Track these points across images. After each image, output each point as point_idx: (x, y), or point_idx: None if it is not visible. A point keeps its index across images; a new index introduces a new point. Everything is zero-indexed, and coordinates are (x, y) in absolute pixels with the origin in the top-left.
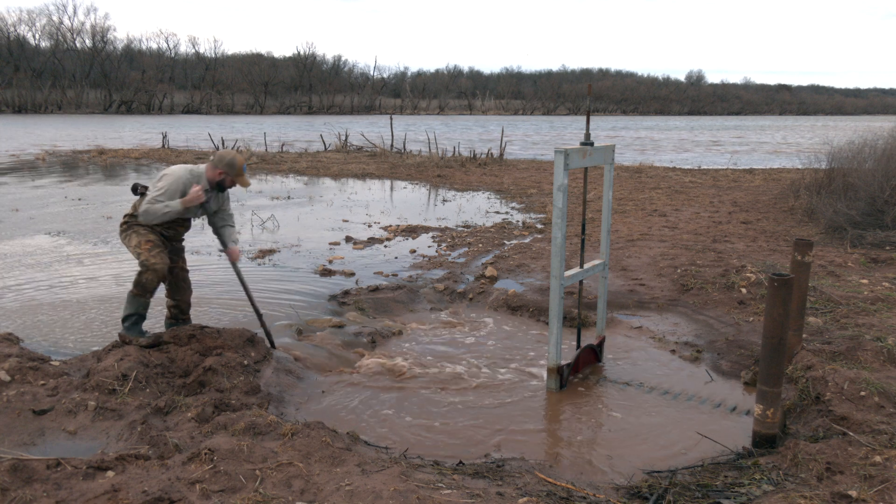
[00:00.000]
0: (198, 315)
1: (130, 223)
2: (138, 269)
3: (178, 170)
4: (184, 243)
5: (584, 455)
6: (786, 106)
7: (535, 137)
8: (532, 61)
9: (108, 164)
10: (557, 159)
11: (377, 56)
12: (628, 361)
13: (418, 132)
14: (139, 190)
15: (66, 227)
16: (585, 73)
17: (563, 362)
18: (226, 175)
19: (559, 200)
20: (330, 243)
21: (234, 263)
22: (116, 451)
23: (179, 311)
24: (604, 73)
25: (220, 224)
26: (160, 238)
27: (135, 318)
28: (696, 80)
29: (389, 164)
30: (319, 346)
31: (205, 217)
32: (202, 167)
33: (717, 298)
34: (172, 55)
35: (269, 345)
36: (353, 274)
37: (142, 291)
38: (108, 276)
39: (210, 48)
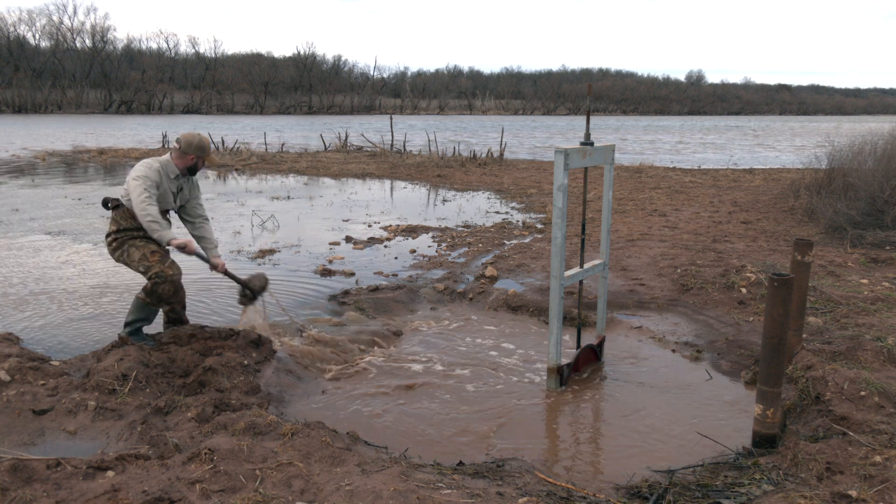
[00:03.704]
0: (196, 315)
1: (121, 238)
2: (150, 278)
3: (147, 169)
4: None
5: (584, 455)
6: (786, 106)
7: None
8: (532, 61)
9: (108, 164)
10: (557, 159)
11: (377, 56)
12: (628, 361)
13: (418, 132)
14: (111, 204)
15: (67, 228)
16: (585, 73)
17: (563, 362)
18: (198, 158)
19: (559, 200)
20: (330, 243)
21: (224, 272)
22: (116, 451)
23: (175, 313)
24: (604, 73)
25: (195, 218)
26: (158, 245)
27: (140, 323)
28: (696, 80)
29: (389, 164)
30: (320, 345)
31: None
32: (166, 158)
33: (717, 298)
34: (172, 55)
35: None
36: (353, 274)
37: (155, 301)
38: (108, 275)
39: (210, 48)
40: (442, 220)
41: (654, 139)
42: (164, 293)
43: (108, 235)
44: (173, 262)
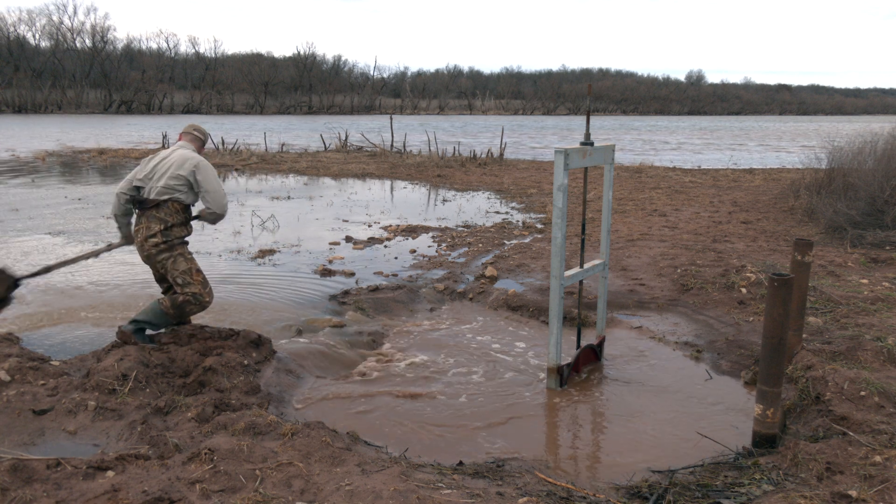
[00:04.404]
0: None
1: (171, 243)
2: (184, 294)
3: (204, 161)
4: None
5: (584, 455)
6: (786, 106)
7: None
8: (532, 61)
9: (108, 164)
10: (557, 159)
11: (377, 56)
12: (628, 361)
13: (418, 132)
14: (151, 203)
15: (66, 227)
16: (585, 73)
17: (563, 362)
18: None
19: (559, 200)
20: (330, 243)
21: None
22: (116, 451)
23: None
24: (604, 73)
25: None
26: (199, 264)
27: (149, 327)
28: (696, 80)
29: (389, 164)
30: (320, 346)
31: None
32: (191, 147)
33: (717, 298)
34: (172, 55)
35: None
36: (353, 274)
37: (177, 315)
38: (107, 273)
39: (210, 48)
40: (442, 220)
41: (653, 139)
42: (189, 312)
43: (151, 236)
44: (211, 290)
